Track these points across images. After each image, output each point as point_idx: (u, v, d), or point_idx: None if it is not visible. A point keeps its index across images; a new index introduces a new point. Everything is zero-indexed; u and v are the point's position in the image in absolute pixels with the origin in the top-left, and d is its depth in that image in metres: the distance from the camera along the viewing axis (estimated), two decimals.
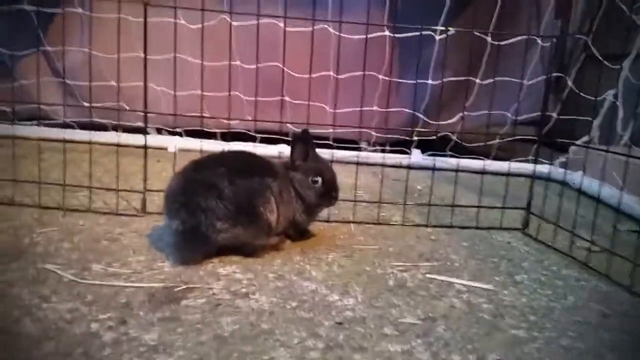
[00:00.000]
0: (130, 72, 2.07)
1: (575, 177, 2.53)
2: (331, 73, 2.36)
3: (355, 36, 2.16)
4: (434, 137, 2.85)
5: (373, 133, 3.11)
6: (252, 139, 3.01)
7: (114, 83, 2.53)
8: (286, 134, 2.82)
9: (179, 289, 1.24)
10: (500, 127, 2.83)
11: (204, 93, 2.76)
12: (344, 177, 1.92)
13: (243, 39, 2.53)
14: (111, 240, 1.55)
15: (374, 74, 2.62)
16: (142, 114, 1.88)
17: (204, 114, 2.38)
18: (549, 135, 2.49)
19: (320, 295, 1.26)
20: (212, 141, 2.98)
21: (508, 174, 2.02)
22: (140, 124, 3.10)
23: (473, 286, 1.38)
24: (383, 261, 1.53)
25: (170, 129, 3.22)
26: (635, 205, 2.16)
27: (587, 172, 2.35)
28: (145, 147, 1.86)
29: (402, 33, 2.68)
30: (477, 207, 1.96)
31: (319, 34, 2.23)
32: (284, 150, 1.63)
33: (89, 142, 1.90)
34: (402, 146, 3.17)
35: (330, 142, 2.94)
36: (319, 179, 1.56)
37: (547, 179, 2.08)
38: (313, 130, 2.54)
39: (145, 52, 1.82)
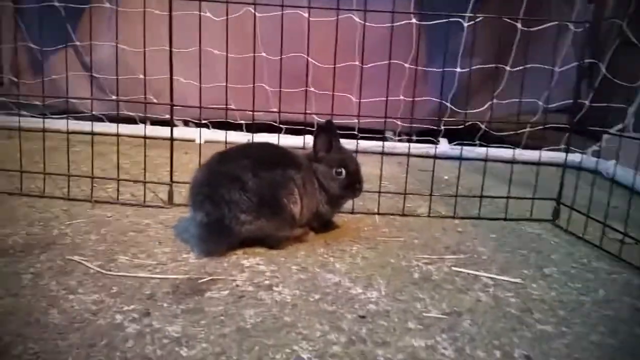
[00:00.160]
0: (159, 65, 2.09)
1: (608, 166, 2.44)
2: (357, 63, 2.33)
3: (381, 25, 2.12)
4: (462, 126, 2.79)
5: (399, 123, 3.07)
6: (278, 131, 3.00)
7: (142, 76, 2.57)
8: (311, 125, 2.81)
9: (203, 280, 1.24)
10: (531, 115, 2.75)
11: (230, 85, 2.77)
12: (369, 167, 1.91)
13: (268, 30, 2.52)
14: (138, 231, 1.57)
15: (400, 62, 2.57)
16: (170, 106, 1.89)
17: (229, 106, 2.38)
18: (581, 123, 2.41)
19: (343, 288, 1.25)
20: (238, 133, 3.00)
21: (538, 163, 1.96)
22: (167, 116, 3.16)
23: (500, 279, 1.35)
24: (408, 253, 1.50)
25: (197, 121, 3.24)
26: None
27: (621, 161, 2.26)
28: (171, 139, 1.87)
29: (429, 21, 2.62)
30: (506, 197, 1.91)
31: (344, 23, 2.20)
32: (309, 141, 1.62)
33: (117, 135, 1.92)
34: (429, 136, 3.13)
35: (356, 133, 2.92)
36: (343, 171, 1.55)
37: (579, 168, 2.01)
38: (338, 121, 2.53)
39: (170, 45, 1.83)
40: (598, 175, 2.35)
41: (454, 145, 3.00)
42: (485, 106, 2.79)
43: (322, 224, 1.63)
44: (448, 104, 2.94)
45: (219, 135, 3.01)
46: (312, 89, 2.80)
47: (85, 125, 2.94)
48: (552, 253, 1.57)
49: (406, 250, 1.53)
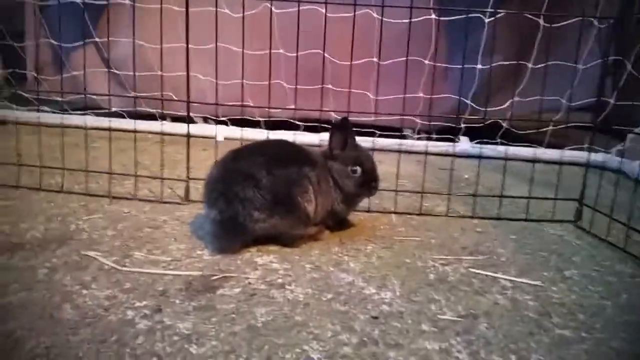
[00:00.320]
0: (178, 62, 2.10)
1: (633, 166, 2.37)
2: (375, 59, 2.31)
3: (399, 20, 2.10)
4: (483, 124, 2.75)
5: (418, 120, 3.04)
6: (296, 128, 2.99)
7: (162, 73, 2.58)
8: (328, 122, 2.80)
9: (215, 277, 1.24)
10: (554, 113, 2.69)
11: (249, 82, 2.77)
12: (387, 166, 1.89)
13: (286, 26, 2.51)
14: (154, 227, 1.57)
15: (419, 59, 2.54)
16: (186, 103, 1.89)
17: (246, 103, 2.39)
18: (605, 122, 2.35)
19: (356, 287, 1.23)
20: (256, 130, 3.00)
21: (560, 163, 1.91)
22: (185, 113, 3.18)
23: (519, 282, 1.32)
24: (424, 254, 1.48)
25: (216, 118, 3.25)
26: None
27: None
28: (188, 135, 1.87)
29: (449, 16, 2.58)
30: (527, 197, 1.87)
31: (362, 20, 2.18)
32: (325, 138, 1.61)
33: (134, 132, 1.93)
34: (450, 134, 3.08)
35: (374, 130, 2.90)
36: (358, 168, 1.53)
37: (602, 168, 1.96)
38: (356, 119, 2.51)
39: (187, 41, 1.83)
40: (622, 175, 2.28)
41: (475, 143, 2.95)
42: (507, 104, 2.74)
43: (338, 223, 1.62)
44: (469, 102, 2.89)
45: (238, 132, 3.02)
46: (329, 85, 2.78)
47: (106, 122, 2.99)
48: (574, 255, 1.53)
49: (422, 250, 1.50)
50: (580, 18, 1.74)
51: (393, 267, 1.37)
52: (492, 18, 2.29)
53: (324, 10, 1.98)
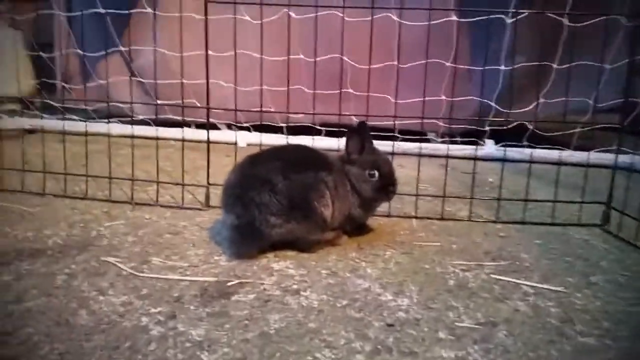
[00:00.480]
0: (201, 69, 2.10)
1: None
2: (395, 63, 2.28)
3: (419, 23, 2.07)
4: (508, 127, 2.69)
5: (441, 124, 3.00)
6: (318, 133, 2.99)
7: (184, 80, 2.62)
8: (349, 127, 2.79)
9: (231, 283, 1.24)
10: (581, 114, 2.62)
11: (270, 88, 2.78)
12: (409, 170, 1.86)
13: (307, 32, 2.50)
14: (174, 233, 1.58)
15: (441, 61, 2.50)
16: (211, 109, 1.91)
17: (266, 108, 2.39)
18: (634, 123, 2.26)
19: (373, 294, 1.21)
20: (277, 135, 3.00)
21: (587, 165, 1.85)
22: (212, 120, 3.20)
23: (542, 288, 1.28)
24: (444, 259, 1.45)
25: (239, 124, 3.27)
26: None
27: None
28: (207, 141, 1.89)
29: (471, 18, 2.54)
30: (552, 201, 1.82)
31: (383, 23, 2.16)
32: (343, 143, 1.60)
33: (156, 138, 1.95)
34: (475, 137, 3.03)
35: (396, 134, 2.87)
36: (376, 172, 1.51)
37: (630, 170, 1.88)
38: (376, 123, 2.49)
39: (206, 48, 1.85)
40: None
41: (500, 146, 2.89)
42: (532, 106, 2.68)
43: (356, 227, 1.60)
44: (493, 104, 2.84)
45: (261, 138, 3.03)
46: (350, 90, 2.77)
47: (130, 129, 3.04)
48: (600, 260, 1.48)
49: (442, 256, 1.47)
50: (606, 17, 1.68)
51: (411, 273, 1.34)
52: (514, 19, 2.24)
53: (340, 15, 1.98)
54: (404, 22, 1.81)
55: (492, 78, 2.83)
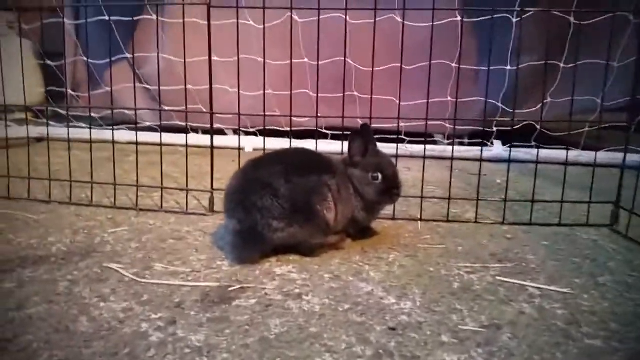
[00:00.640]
0: (207, 75, 2.11)
1: None
2: (401, 64, 2.27)
3: (423, 24, 2.05)
4: (516, 127, 2.66)
5: (447, 125, 2.97)
6: (324, 136, 2.98)
7: (190, 86, 2.62)
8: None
9: (233, 288, 1.23)
10: (589, 114, 2.58)
11: (276, 92, 2.78)
12: (416, 172, 1.85)
13: (312, 35, 2.50)
14: (177, 239, 1.58)
15: (447, 62, 2.49)
16: (219, 115, 1.91)
17: (273, 113, 2.39)
18: None
19: (375, 297, 1.20)
20: (284, 140, 3.00)
21: (595, 165, 1.82)
22: (219, 125, 3.21)
23: (548, 290, 1.26)
24: (449, 262, 1.43)
25: (245, 130, 3.27)
26: None
27: None
28: (211, 147, 1.89)
29: (476, 18, 2.52)
30: (560, 202, 1.79)
31: (388, 25, 2.16)
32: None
33: (160, 145, 1.96)
34: (483, 138, 3.00)
35: (403, 137, 2.86)
36: (379, 175, 1.50)
37: (639, 169, 1.85)
38: (382, 125, 2.48)
39: (209, 53, 1.85)
40: None
41: (508, 147, 2.86)
42: (539, 106, 2.65)
43: (360, 231, 1.59)
44: (500, 105, 2.81)
45: (267, 143, 3.02)
46: (355, 92, 2.76)
47: (141, 136, 3.05)
48: (609, 261, 1.45)
49: (447, 259, 1.46)
50: (613, 14, 1.66)
51: (415, 276, 1.33)
52: (519, 19, 2.22)
53: (348, 18, 1.98)
54: (409, 23, 1.79)
55: (498, 78, 2.81)
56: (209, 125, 1.81)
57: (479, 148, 2.89)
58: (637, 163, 2.16)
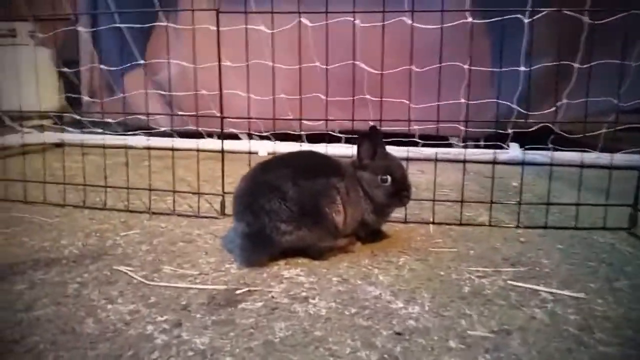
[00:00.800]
0: (222, 80, 2.12)
1: None
2: (413, 67, 2.26)
3: (436, 26, 2.03)
4: (532, 129, 2.62)
5: (462, 128, 2.94)
6: (337, 140, 2.97)
7: (204, 92, 2.64)
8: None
9: (240, 291, 1.23)
10: (606, 115, 2.53)
11: (288, 96, 2.78)
12: (431, 175, 1.83)
13: (323, 39, 2.51)
14: (187, 242, 1.59)
15: (459, 64, 2.46)
16: (233, 120, 1.92)
17: (284, 116, 2.39)
18: None
19: (383, 301, 1.18)
20: (297, 144, 3.00)
21: (611, 167, 1.78)
22: (232, 129, 3.23)
23: (561, 294, 1.23)
24: (460, 265, 1.41)
25: (259, 134, 3.28)
26: None
27: None
28: (222, 151, 1.90)
29: (487, 19, 2.49)
30: (576, 204, 1.75)
31: (399, 27, 2.14)
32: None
33: (172, 149, 1.97)
34: (500, 140, 2.96)
35: (417, 140, 2.83)
36: (388, 178, 1.48)
37: None
38: (394, 128, 2.46)
39: (219, 59, 1.86)
40: None
41: (525, 149, 2.82)
42: (555, 107, 2.60)
43: (369, 234, 1.57)
44: (515, 106, 2.77)
45: (281, 147, 3.03)
46: (367, 96, 2.75)
47: (157, 141, 3.09)
48: (626, 265, 1.41)
49: (459, 262, 1.43)
50: (628, 12, 1.62)
51: (425, 280, 1.31)
52: (531, 19, 2.18)
53: (358, 22, 1.97)
54: (421, 25, 1.78)
55: (513, 80, 2.77)
56: (212, 130, 1.82)
57: (496, 150, 2.86)
58: None
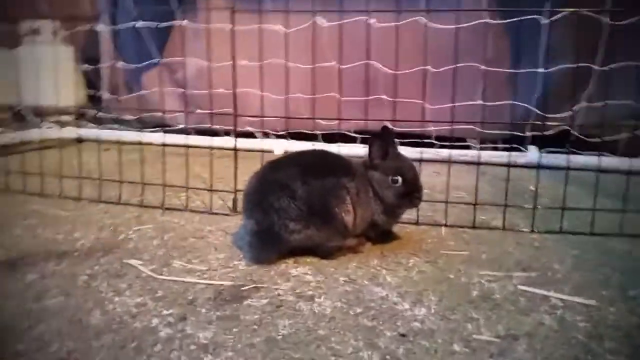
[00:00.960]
0: (240, 78, 2.13)
1: None
2: (429, 67, 2.23)
3: (453, 26, 2.01)
4: (551, 132, 2.57)
5: (477, 129, 2.91)
6: (353, 140, 2.96)
7: (222, 90, 2.66)
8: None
9: (246, 287, 1.23)
10: (628, 118, 2.47)
11: (305, 95, 2.77)
12: (446, 176, 1.81)
13: (337, 39, 2.51)
14: (198, 237, 1.60)
15: (477, 65, 2.44)
16: (249, 118, 1.93)
17: (299, 115, 2.39)
18: None
19: (389, 302, 1.18)
20: (314, 143, 3.00)
21: (630, 172, 1.74)
22: (248, 128, 3.24)
23: (572, 301, 1.20)
24: (470, 269, 1.39)
25: (275, 132, 3.29)
26: None
27: None
28: (235, 149, 1.91)
29: (504, 19, 2.45)
30: (592, 209, 1.71)
31: (417, 27, 2.12)
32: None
33: (186, 146, 1.99)
34: (519, 143, 2.92)
35: (433, 141, 2.81)
36: (399, 179, 1.47)
37: None
38: (410, 129, 2.44)
39: (233, 58, 1.87)
40: None
41: (543, 152, 2.77)
42: (573, 110, 2.55)
43: (380, 234, 1.56)
44: (533, 109, 2.73)
45: (297, 146, 3.03)
46: (383, 96, 2.73)
47: (175, 138, 3.12)
48: None
49: (469, 266, 1.42)
50: None
51: (433, 283, 1.30)
52: (549, 20, 2.14)
53: (370, 21, 1.96)
54: (438, 25, 1.77)
55: (531, 81, 2.73)
56: (240, 129, 1.84)
57: (510, 153, 2.81)
58: None
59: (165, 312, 1.10)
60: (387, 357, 0.95)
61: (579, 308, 1.17)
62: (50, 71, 2.22)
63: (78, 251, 1.43)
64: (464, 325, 1.08)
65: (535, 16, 2.12)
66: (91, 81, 3.66)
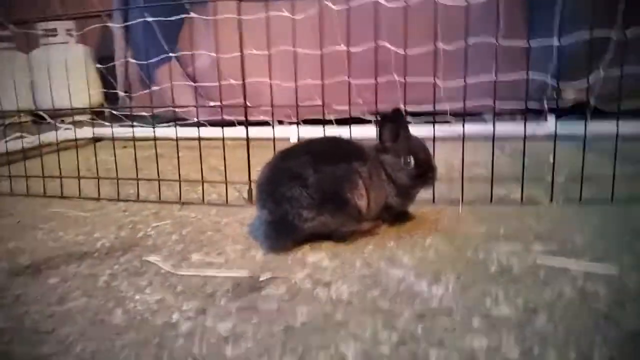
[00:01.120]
0: (252, 69, 2.12)
1: None
2: (441, 44, 2.20)
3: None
4: (568, 104, 2.52)
5: (494, 103, 2.86)
6: (367, 122, 2.95)
7: (233, 81, 2.66)
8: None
9: (263, 277, 1.24)
10: None
11: (316, 82, 2.76)
12: (466, 154, 1.79)
13: (350, 23, 2.48)
14: (216, 230, 1.61)
15: (491, 40, 2.38)
16: (263, 108, 1.93)
17: (310, 102, 2.37)
18: None
19: (406, 283, 1.17)
20: (329, 128, 2.99)
21: None
22: (263, 117, 3.25)
23: (592, 271, 1.18)
24: (488, 245, 1.38)
25: (290, 120, 3.29)
26: None
27: None
28: (247, 139, 1.92)
29: None
30: (612, 177, 1.68)
31: (424, 4, 2.09)
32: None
33: (198, 139, 2.00)
34: (534, 114, 2.87)
35: (448, 118, 2.77)
36: (411, 160, 1.46)
37: None
38: (426, 108, 2.41)
39: (241, 48, 1.86)
40: None
41: (560, 122, 2.71)
42: (590, 80, 2.48)
43: (394, 216, 1.55)
44: (549, 80, 2.67)
45: (312, 132, 3.02)
46: (396, 77, 2.70)
47: (190, 131, 3.14)
48: None
49: (487, 242, 1.40)
50: None
51: (450, 261, 1.29)
52: None
53: (381, 2, 1.93)
54: (443, 1, 1.74)
55: (547, 52, 2.66)
56: (254, 119, 1.84)
57: (531, 126, 2.76)
58: None
59: (185, 306, 1.11)
60: (406, 337, 0.95)
61: (599, 278, 1.15)
62: (67, 71, 2.24)
63: (98, 251, 1.45)
64: (482, 301, 1.08)
65: None
66: (106, 79, 3.70)
